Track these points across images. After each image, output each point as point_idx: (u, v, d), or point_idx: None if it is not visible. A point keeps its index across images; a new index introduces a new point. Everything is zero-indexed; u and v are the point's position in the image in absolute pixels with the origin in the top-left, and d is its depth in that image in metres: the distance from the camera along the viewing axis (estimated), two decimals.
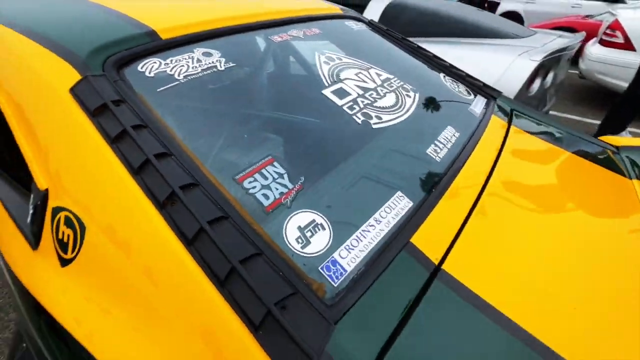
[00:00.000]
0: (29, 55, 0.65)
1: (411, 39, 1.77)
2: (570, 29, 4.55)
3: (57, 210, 0.55)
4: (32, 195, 0.60)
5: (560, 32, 2.80)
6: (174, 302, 0.45)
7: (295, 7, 1.07)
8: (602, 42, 3.24)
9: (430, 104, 0.93)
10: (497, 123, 0.98)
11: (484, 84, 1.18)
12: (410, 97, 0.89)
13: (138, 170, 0.48)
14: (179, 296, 0.45)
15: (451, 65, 1.21)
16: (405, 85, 0.92)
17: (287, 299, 0.41)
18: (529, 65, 1.93)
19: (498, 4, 6.87)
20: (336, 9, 1.20)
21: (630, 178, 0.89)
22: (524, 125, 1.03)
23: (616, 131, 2.45)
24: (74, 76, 0.58)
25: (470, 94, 1.09)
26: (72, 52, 0.61)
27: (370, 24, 1.28)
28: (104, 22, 0.73)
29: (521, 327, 0.46)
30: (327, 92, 0.77)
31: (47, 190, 0.57)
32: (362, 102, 0.78)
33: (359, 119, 0.73)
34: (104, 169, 0.52)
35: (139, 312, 0.48)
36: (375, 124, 0.75)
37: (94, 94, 0.55)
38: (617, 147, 1.08)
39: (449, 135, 0.82)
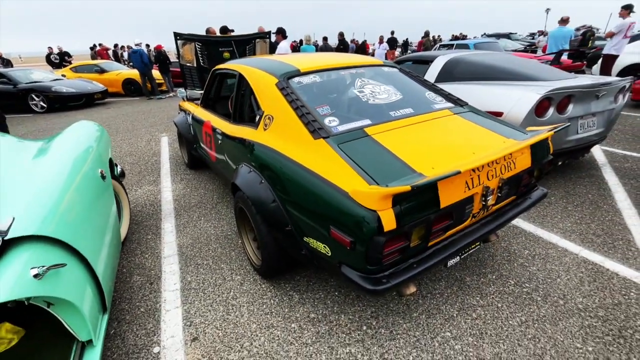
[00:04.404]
0: (261, 74, 2.11)
1: (461, 82, 3.01)
2: None
3: (266, 115, 1.92)
4: (257, 113, 2.00)
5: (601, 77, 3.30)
6: (293, 133, 1.71)
7: (359, 61, 2.36)
8: None
9: (406, 99, 2.03)
10: (446, 112, 1.99)
11: (458, 98, 2.18)
12: (396, 96, 2.02)
13: (293, 106, 1.78)
14: (292, 130, 1.71)
15: (440, 89, 2.26)
16: (396, 92, 2.06)
17: (321, 129, 1.62)
18: (533, 97, 2.69)
19: (616, 57, 6.81)
20: (380, 62, 2.43)
21: (507, 138, 1.77)
22: (469, 117, 1.97)
23: None
24: (275, 80, 1.98)
25: (443, 101, 2.11)
26: (274, 73, 2.03)
27: (400, 69, 2.45)
28: (284, 65, 2.15)
29: (401, 158, 1.51)
30: (355, 90, 2.00)
31: (263, 111, 1.95)
32: (369, 94, 1.97)
33: (363, 99, 1.92)
34: (282, 105, 1.85)
35: (286, 139, 1.76)
36: (369, 101, 1.92)
37: (281, 84, 1.92)
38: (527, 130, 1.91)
39: (406, 110, 1.90)
